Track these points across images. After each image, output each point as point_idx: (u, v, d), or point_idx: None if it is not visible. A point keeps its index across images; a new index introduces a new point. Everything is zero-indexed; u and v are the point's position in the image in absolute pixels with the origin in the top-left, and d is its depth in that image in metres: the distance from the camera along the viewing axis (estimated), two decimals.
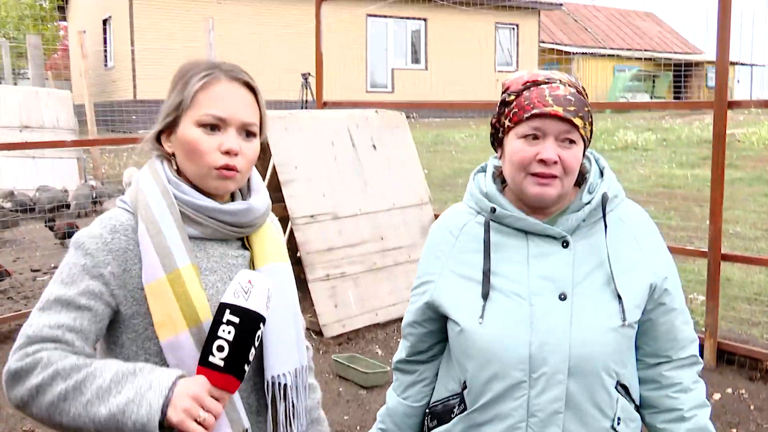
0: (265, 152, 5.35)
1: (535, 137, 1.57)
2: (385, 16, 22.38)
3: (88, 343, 1.39)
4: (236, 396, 1.46)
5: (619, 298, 1.59)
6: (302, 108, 15.83)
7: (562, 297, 1.58)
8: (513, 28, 24.97)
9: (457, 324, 1.64)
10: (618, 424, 1.62)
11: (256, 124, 1.52)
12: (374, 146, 5.98)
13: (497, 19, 23.66)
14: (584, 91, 1.65)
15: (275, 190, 5.38)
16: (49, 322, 1.36)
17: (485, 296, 1.60)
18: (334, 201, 5.55)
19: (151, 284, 1.42)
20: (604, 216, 1.63)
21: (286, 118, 5.59)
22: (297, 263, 5.02)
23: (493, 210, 1.64)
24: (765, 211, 9.18)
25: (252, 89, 1.53)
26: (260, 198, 1.58)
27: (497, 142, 1.70)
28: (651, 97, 25.35)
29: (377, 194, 5.83)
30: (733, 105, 4.60)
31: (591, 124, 1.62)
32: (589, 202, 1.63)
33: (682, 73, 25.07)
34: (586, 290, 1.60)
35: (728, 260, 4.92)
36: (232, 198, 1.58)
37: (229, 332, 1.33)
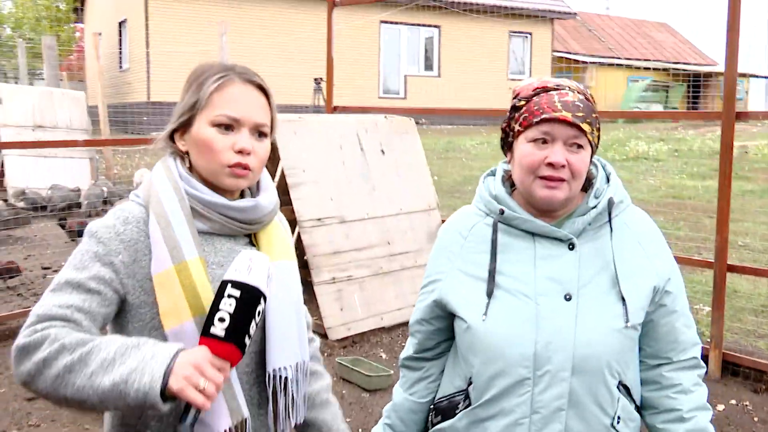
0: (274, 155, 5.39)
1: (544, 141, 1.62)
2: (399, 23, 22.45)
3: (95, 325, 1.43)
4: (237, 387, 1.50)
5: (624, 300, 1.63)
6: (315, 113, 15.89)
7: (568, 298, 1.62)
8: (526, 37, 24.98)
9: (464, 321, 1.68)
10: (618, 422, 1.65)
11: (268, 124, 1.58)
12: (383, 151, 6.01)
13: (510, 27, 23.69)
14: (592, 98, 1.70)
15: (283, 193, 5.42)
16: (59, 302, 1.41)
17: (489, 294, 1.65)
18: (342, 205, 5.58)
19: (160, 274, 1.46)
20: (610, 220, 1.67)
21: (296, 122, 5.63)
22: (304, 266, 5.05)
23: (502, 212, 1.69)
24: None
25: (264, 91, 1.58)
26: (268, 196, 1.63)
27: (507, 146, 1.74)
28: (664, 108, 25.25)
29: (385, 199, 5.86)
30: (741, 116, 4.61)
31: (598, 130, 1.67)
32: (595, 206, 1.67)
33: (697, 83, 24.96)
34: (591, 292, 1.64)
35: (734, 271, 4.91)
36: (242, 196, 1.62)
37: (230, 305, 1.36)
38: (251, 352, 1.57)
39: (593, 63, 26.26)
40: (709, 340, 4.73)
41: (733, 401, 4.38)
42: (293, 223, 5.30)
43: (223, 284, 1.39)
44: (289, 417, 1.59)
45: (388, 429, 1.91)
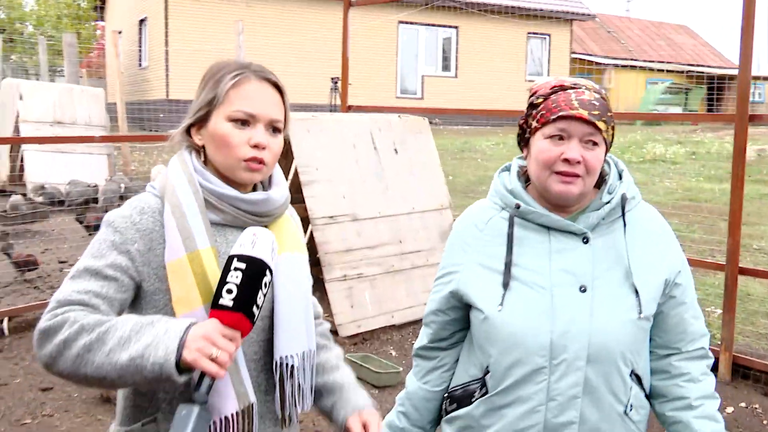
0: (287, 153, 5.44)
1: (561, 138, 1.68)
2: (417, 24, 22.47)
3: (113, 310, 1.50)
4: (245, 373, 1.55)
5: (637, 292, 1.69)
6: (331, 112, 15.94)
7: (583, 289, 1.68)
8: (544, 38, 24.90)
9: (482, 312, 1.73)
10: (630, 410, 1.72)
11: (282, 120, 1.63)
12: (396, 150, 6.04)
13: (529, 28, 23.63)
14: (607, 97, 1.75)
15: (297, 191, 5.46)
16: (77, 288, 1.47)
17: (505, 285, 1.70)
18: (354, 203, 5.61)
19: (173, 262, 1.52)
20: (623, 215, 1.73)
21: (309, 120, 5.67)
22: (316, 264, 5.09)
23: (518, 206, 1.74)
24: None
25: (279, 88, 1.64)
26: (279, 190, 1.68)
27: (524, 142, 1.80)
28: (684, 111, 25.08)
29: (398, 197, 5.89)
30: (754, 118, 4.59)
31: (613, 128, 1.73)
32: (608, 202, 1.73)
33: (719, 86, 24.75)
34: (605, 284, 1.69)
35: (746, 274, 4.90)
36: (254, 189, 1.67)
37: (237, 277, 1.42)
38: (260, 340, 1.61)
39: (612, 65, 26.14)
40: (719, 342, 4.71)
41: (743, 404, 4.37)
42: (306, 220, 5.34)
43: (230, 259, 1.45)
44: (295, 404, 1.64)
45: (402, 417, 1.96)
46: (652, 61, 27.74)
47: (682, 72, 26.42)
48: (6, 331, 5.22)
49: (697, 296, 1.83)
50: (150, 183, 1.65)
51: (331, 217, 5.45)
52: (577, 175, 1.66)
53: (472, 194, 10.87)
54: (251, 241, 1.46)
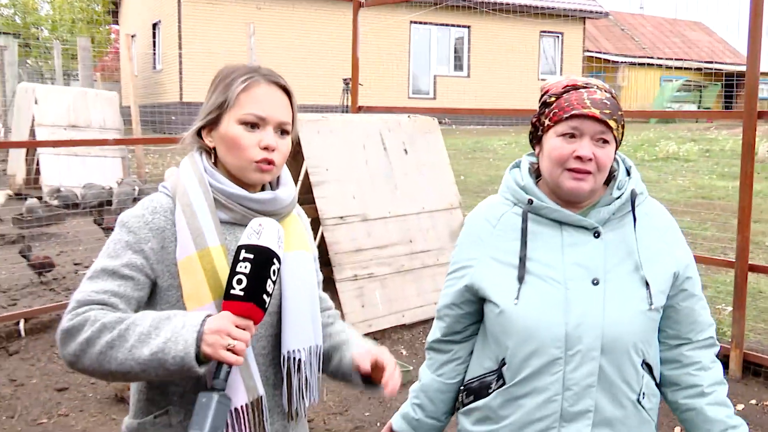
0: (298, 155, 5.49)
1: (573, 136, 1.73)
2: (429, 23, 22.47)
3: (130, 307, 1.56)
4: (254, 367, 1.61)
5: (647, 284, 1.75)
6: (343, 113, 15.99)
7: (595, 282, 1.74)
8: (557, 37, 24.83)
9: (497, 305, 1.78)
10: (643, 398, 1.78)
11: (290, 123, 1.69)
12: (405, 150, 6.07)
13: (542, 27, 23.57)
14: (617, 97, 1.81)
15: (307, 192, 5.52)
16: (96, 288, 1.54)
17: (520, 279, 1.76)
18: (364, 203, 5.65)
19: (183, 259, 1.58)
20: (633, 210, 1.78)
21: (319, 121, 5.72)
22: (326, 264, 5.13)
23: (531, 202, 1.79)
24: None
25: (287, 91, 1.69)
26: (287, 190, 1.73)
27: (536, 139, 1.85)
28: (698, 108, 24.90)
29: (407, 197, 5.92)
30: (763, 115, 4.59)
31: (623, 126, 1.79)
32: (618, 197, 1.79)
33: (734, 83, 24.55)
34: (616, 277, 1.75)
35: (756, 271, 4.88)
36: (262, 189, 1.73)
37: (246, 267, 1.49)
38: (268, 335, 1.67)
39: (625, 63, 26.01)
40: (730, 340, 4.70)
41: (753, 401, 4.36)
42: (316, 221, 5.39)
43: (238, 250, 1.51)
44: (303, 397, 1.69)
45: (418, 408, 2.01)
46: (667, 59, 27.58)
47: (697, 69, 26.24)
48: (23, 333, 5.30)
49: (707, 293, 1.88)
50: (162, 183, 1.70)
51: (341, 217, 5.49)
52: (588, 172, 1.72)
53: (484, 194, 10.87)
54: (257, 231, 1.52)
